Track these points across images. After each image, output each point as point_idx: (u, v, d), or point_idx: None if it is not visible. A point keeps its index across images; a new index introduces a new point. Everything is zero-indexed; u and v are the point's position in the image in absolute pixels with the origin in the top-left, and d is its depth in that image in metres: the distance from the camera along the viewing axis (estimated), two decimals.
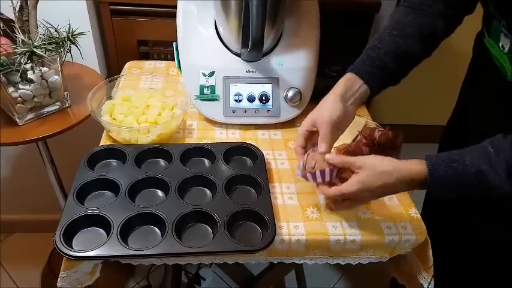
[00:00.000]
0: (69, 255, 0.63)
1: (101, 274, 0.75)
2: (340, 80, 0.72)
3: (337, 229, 0.72)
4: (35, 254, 1.47)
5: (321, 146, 0.67)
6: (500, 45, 0.67)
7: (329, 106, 0.68)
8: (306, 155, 0.70)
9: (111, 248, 0.63)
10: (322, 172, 0.67)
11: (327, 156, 0.66)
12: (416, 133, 1.88)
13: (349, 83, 0.71)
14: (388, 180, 0.60)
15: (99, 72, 1.16)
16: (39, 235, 1.47)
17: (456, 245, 0.87)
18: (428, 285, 0.73)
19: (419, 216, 0.76)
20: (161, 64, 1.12)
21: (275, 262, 0.75)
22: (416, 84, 1.80)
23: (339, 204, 0.68)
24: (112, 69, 1.24)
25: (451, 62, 1.57)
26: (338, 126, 0.69)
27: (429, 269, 0.74)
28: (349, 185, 0.62)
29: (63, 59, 0.86)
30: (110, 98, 0.92)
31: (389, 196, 0.79)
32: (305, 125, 0.71)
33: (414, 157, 0.62)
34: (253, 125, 0.94)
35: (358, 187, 0.61)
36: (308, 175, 0.69)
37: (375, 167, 0.62)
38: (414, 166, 0.60)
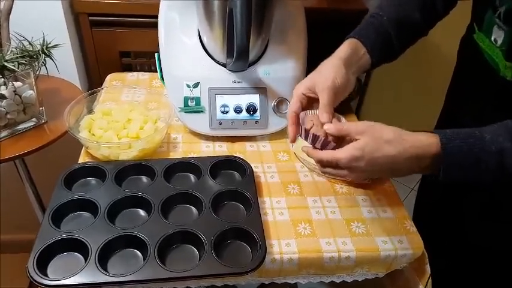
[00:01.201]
0: (43, 285, 0.58)
1: None
2: (342, 45, 0.66)
3: (330, 245, 0.68)
4: (16, 275, 1.40)
5: (323, 116, 0.59)
6: (493, 38, 0.65)
7: (332, 69, 0.61)
8: (304, 113, 0.63)
9: (89, 274, 0.58)
10: (316, 137, 0.59)
11: (326, 126, 0.59)
12: None
13: (353, 48, 0.65)
14: (393, 151, 0.52)
15: (79, 85, 1.12)
16: (22, 255, 1.39)
17: (447, 248, 0.85)
18: None
19: (415, 228, 0.73)
20: (144, 76, 1.08)
21: (266, 283, 0.71)
22: (402, 90, 1.80)
23: (330, 170, 0.58)
24: (94, 82, 1.20)
25: (435, 67, 1.56)
26: (339, 94, 0.62)
27: (427, 284, 0.71)
28: (345, 151, 0.54)
29: (37, 73, 0.82)
30: (91, 112, 0.88)
31: (383, 208, 0.76)
32: (302, 87, 0.63)
33: None
34: (241, 137, 0.90)
35: (355, 154, 0.53)
36: (302, 132, 0.62)
37: (379, 134, 0.53)
38: (425, 138, 0.53)
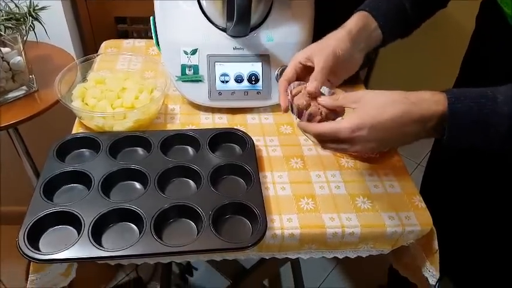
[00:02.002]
0: (34, 259, 0.56)
1: (77, 274, 0.69)
2: (352, 18, 0.60)
3: (334, 221, 0.65)
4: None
5: (311, 83, 0.54)
6: None
7: (335, 40, 0.56)
8: (295, 84, 0.57)
9: (82, 249, 0.56)
10: (300, 111, 0.55)
11: (319, 99, 0.54)
12: None
13: (364, 21, 0.59)
14: (397, 111, 0.46)
15: (73, 53, 1.07)
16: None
17: (455, 225, 0.82)
18: (436, 283, 0.67)
19: (423, 204, 0.70)
20: (140, 43, 1.03)
21: (267, 258, 0.68)
22: (414, 57, 1.71)
23: (332, 145, 0.53)
24: (88, 49, 1.15)
25: (450, 33, 1.49)
26: (339, 69, 0.56)
27: (435, 262, 0.68)
28: (345, 120, 0.49)
29: (25, 38, 0.77)
30: (84, 80, 0.83)
31: (391, 183, 0.73)
32: (300, 56, 0.57)
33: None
34: (242, 108, 0.86)
35: (355, 122, 0.47)
36: (294, 109, 0.57)
37: (378, 97, 0.49)
38: (430, 95, 0.47)
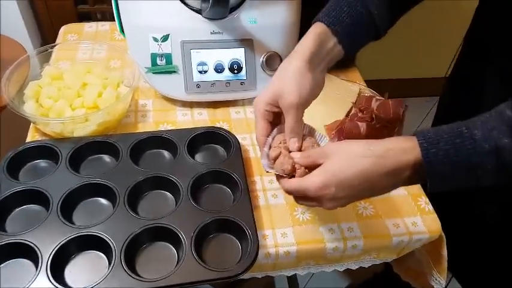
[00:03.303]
0: None
1: None
2: (307, 36, 0.52)
3: (334, 233, 0.58)
4: None
5: (291, 143, 0.49)
6: None
7: (295, 79, 0.49)
8: (276, 130, 0.51)
9: None
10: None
11: (293, 154, 0.49)
12: (411, 87, 1.74)
13: (319, 41, 0.51)
14: (360, 169, 0.43)
15: (30, 44, 0.93)
16: None
17: (462, 229, 0.76)
18: None
19: (430, 207, 0.63)
20: (104, 26, 0.90)
21: (259, 277, 0.61)
22: (409, 32, 1.60)
23: (302, 201, 0.49)
24: (48, 38, 1.00)
25: (451, 11, 1.39)
26: (308, 102, 0.51)
27: (443, 270, 0.62)
28: (310, 178, 0.45)
29: None
30: (39, 77, 0.71)
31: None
32: (263, 104, 0.50)
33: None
34: (224, 101, 0.75)
35: (320, 180, 0.44)
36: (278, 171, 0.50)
37: (345, 152, 0.45)
38: (398, 144, 0.43)
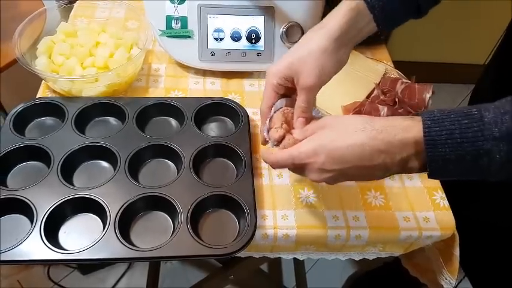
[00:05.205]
0: None
1: None
2: (338, 10, 0.47)
3: (338, 221, 0.55)
4: None
5: (299, 123, 0.46)
6: None
7: (318, 60, 0.45)
8: (277, 106, 0.48)
9: (34, 249, 0.47)
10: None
11: (295, 135, 0.46)
12: (446, 73, 1.63)
13: (352, 18, 0.46)
14: (355, 142, 0.39)
15: None
16: None
17: (476, 227, 0.71)
18: None
19: (446, 203, 0.58)
20: None
21: (256, 257, 0.59)
22: (446, 14, 1.49)
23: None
24: None
25: None
26: (325, 83, 0.47)
27: (453, 270, 0.58)
28: (301, 144, 0.43)
29: None
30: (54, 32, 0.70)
31: (409, 176, 0.61)
32: (277, 77, 0.46)
33: None
34: (239, 72, 0.72)
35: (311, 146, 0.41)
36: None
37: (342, 124, 0.42)
38: (399, 122, 0.39)
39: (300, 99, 0.46)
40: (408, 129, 0.38)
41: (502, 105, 0.36)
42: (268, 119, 0.47)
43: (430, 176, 0.39)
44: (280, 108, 0.48)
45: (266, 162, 0.46)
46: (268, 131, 0.47)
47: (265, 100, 0.48)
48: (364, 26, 0.47)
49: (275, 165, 0.46)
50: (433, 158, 0.37)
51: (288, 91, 0.48)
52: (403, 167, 0.40)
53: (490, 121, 0.35)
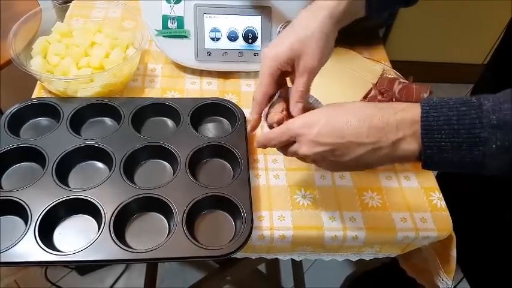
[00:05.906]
0: None
1: None
2: None
3: (335, 221, 0.55)
4: None
5: (297, 109, 0.44)
6: None
7: (321, 41, 0.44)
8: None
9: (28, 250, 0.46)
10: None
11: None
12: (444, 72, 1.63)
13: (351, 2, 0.46)
14: (354, 116, 0.39)
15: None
16: None
17: (474, 227, 0.71)
18: None
19: (443, 203, 0.58)
20: None
21: (253, 258, 0.59)
22: (442, 12, 1.48)
23: (283, 150, 0.46)
24: None
25: None
26: (322, 66, 0.46)
27: (450, 271, 0.58)
28: (299, 117, 0.43)
29: None
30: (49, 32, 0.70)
31: (407, 174, 0.60)
32: (278, 60, 0.44)
33: None
34: (236, 72, 0.72)
35: (307, 117, 0.42)
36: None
37: (341, 104, 0.42)
38: (399, 104, 0.40)
39: (300, 83, 0.44)
40: (407, 109, 0.38)
41: (502, 95, 0.35)
42: (268, 106, 0.47)
43: (424, 166, 0.38)
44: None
45: (259, 143, 0.46)
46: (266, 117, 0.46)
47: (261, 87, 0.46)
48: (358, 10, 0.47)
49: (270, 142, 0.45)
50: (428, 144, 0.36)
51: (281, 77, 0.47)
52: (397, 149, 0.39)
53: (488, 109, 0.34)
